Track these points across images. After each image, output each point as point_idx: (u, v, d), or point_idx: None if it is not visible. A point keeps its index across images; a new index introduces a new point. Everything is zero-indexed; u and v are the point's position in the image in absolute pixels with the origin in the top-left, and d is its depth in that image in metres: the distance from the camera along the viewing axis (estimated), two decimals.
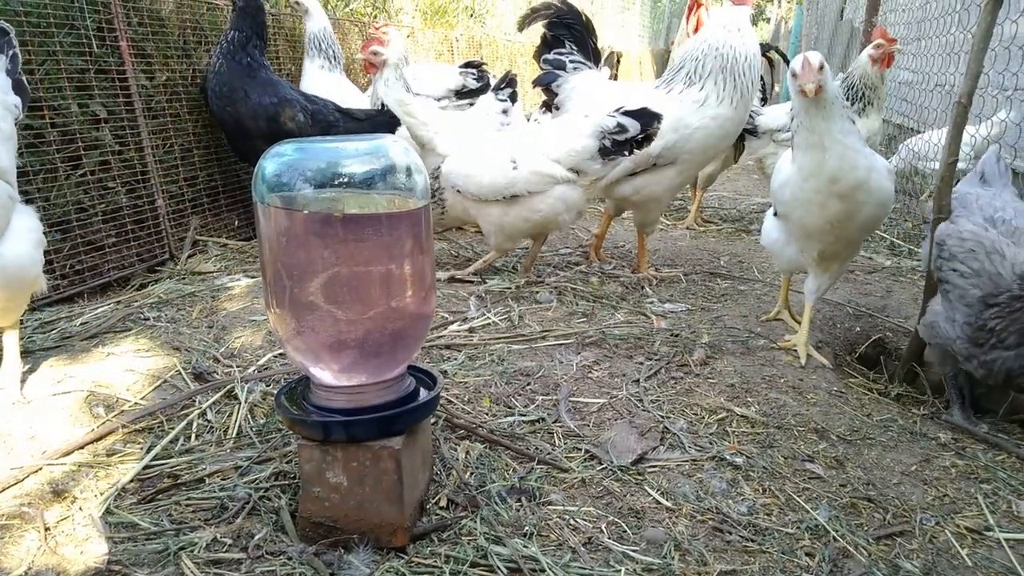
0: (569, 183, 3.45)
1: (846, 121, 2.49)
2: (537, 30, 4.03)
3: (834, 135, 2.45)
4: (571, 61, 3.84)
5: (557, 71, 3.84)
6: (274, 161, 1.59)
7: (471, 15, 10.24)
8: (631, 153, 3.45)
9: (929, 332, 2.51)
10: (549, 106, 4.01)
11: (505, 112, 3.97)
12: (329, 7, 6.86)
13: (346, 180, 1.60)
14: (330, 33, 4.92)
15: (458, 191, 3.56)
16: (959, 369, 2.51)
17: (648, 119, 3.35)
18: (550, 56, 3.87)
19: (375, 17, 7.44)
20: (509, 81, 4.04)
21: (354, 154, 1.65)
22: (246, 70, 4.05)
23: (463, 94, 5.24)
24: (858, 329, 3.24)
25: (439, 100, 5.04)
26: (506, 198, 3.46)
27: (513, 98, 4.02)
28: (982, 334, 2.27)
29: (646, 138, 3.37)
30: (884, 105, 4.84)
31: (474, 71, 5.30)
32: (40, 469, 1.93)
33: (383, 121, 4.28)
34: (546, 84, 3.87)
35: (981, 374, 2.34)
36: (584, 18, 3.92)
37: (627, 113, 3.35)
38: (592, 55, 3.92)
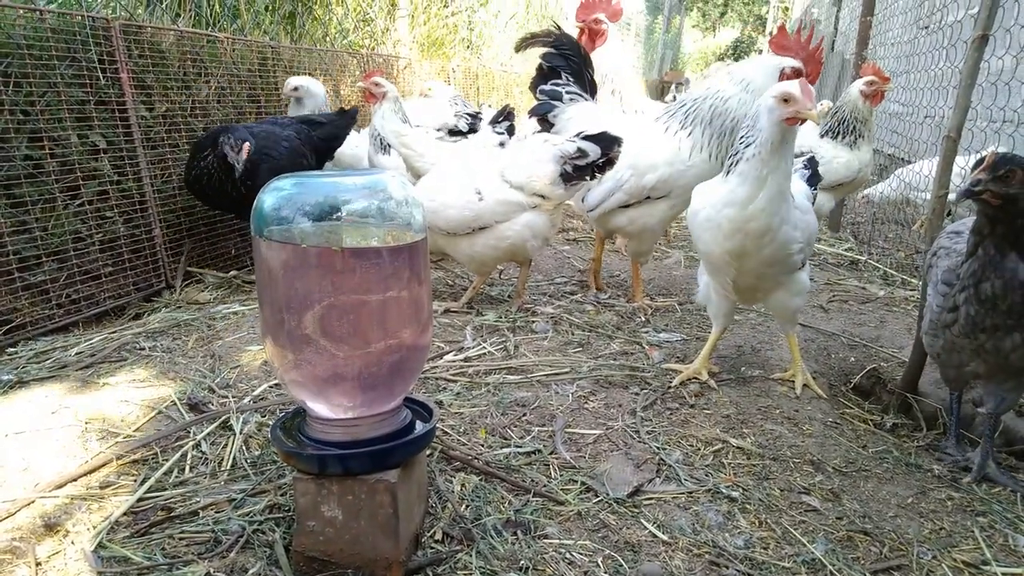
0: (535, 209, 3.46)
1: (791, 165, 2.47)
2: (533, 60, 4.07)
3: (778, 176, 2.43)
4: (567, 92, 3.87)
5: (553, 101, 3.87)
6: (273, 195, 1.61)
7: (468, 47, 10.38)
8: (593, 177, 3.46)
9: (928, 333, 2.43)
10: None
11: (502, 145, 3.99)
12: (328, 39, 6.96)
13: (344, 214, 1.62)
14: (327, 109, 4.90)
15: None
16: (959, 391, 2.51)
17: (608, 143, 3.35)
18: (547, 87, 3.90)
19: (373, 48, 7.55)
20: (507, 115, 4.07)
21: (352, 188, 1.67)
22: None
23: (454, 132, 5.30)
24: (852, 359, 3.25)
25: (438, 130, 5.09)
26: (474, 230, 3.46)
27: (511, 131, 4.04)
28: (959, 266, 2.17)
29: (608, 162, 3.38)
30: (874, 137, 4.91)
31: (468, 116, 5.36)
32: (32, 502, 1.91)
33: (343, 123, 4.34)
34: (542, 114, 3.91)
35: (968, 314, 2.16)
36: (582, 50, 3.96)
37: (587, 138, 3.37)
38: (589, 87, 3.96)
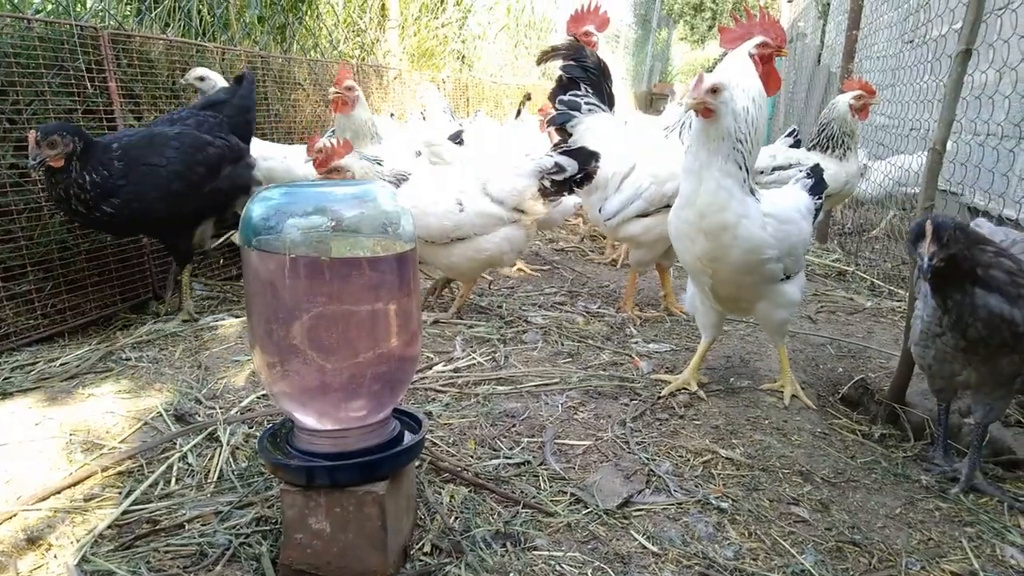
0: (514, 224, 3.48)
1: (732, 164, 2.47)
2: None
3: (712, 171, 2.46)
4: (586, 103, 3.89)
5: (572, 112, 3.90)
6: (261, 204, 1.60)
7: (458, 57, 10.42)
8: (572, 192, 3.52)
9: (919, 344, 2.44)
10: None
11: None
12: (318, 49, 6.96)
13: (333, 224, 1.61)
14: None
15: None
16: (948, 402, 2.52)
17: (586, 158, 3.40)
18: (565, 97, 3.92)
19: (364, 59, 7.56)
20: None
21: (341, 198, 1.67)
22: (126, 155, 3.30)
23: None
24: (840, 370, 3.26)
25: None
26: (452, 239, 3.46)
27: None
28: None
29: (585, 176, 3.43)
30: (858, 148, 4.96)
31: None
32: (15, 515, 1.89)
33: (247, 91, 3.89)
34: (560, 124, 3.94)
35: (959, 347, 2.23)
36: (601, 62, 3.99)
37: (565, 152, 3.42)
38: (607, 98, 3.99)
